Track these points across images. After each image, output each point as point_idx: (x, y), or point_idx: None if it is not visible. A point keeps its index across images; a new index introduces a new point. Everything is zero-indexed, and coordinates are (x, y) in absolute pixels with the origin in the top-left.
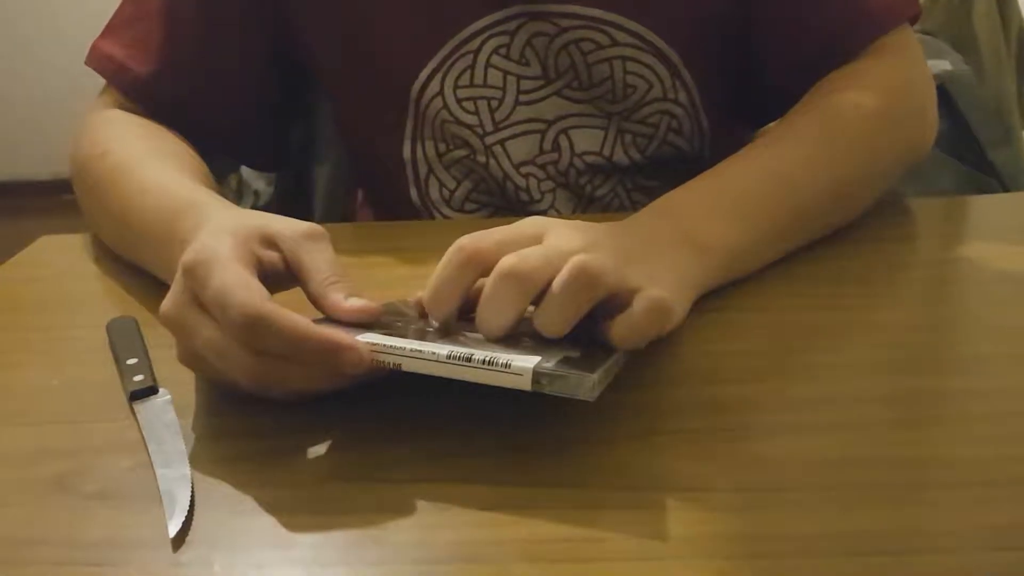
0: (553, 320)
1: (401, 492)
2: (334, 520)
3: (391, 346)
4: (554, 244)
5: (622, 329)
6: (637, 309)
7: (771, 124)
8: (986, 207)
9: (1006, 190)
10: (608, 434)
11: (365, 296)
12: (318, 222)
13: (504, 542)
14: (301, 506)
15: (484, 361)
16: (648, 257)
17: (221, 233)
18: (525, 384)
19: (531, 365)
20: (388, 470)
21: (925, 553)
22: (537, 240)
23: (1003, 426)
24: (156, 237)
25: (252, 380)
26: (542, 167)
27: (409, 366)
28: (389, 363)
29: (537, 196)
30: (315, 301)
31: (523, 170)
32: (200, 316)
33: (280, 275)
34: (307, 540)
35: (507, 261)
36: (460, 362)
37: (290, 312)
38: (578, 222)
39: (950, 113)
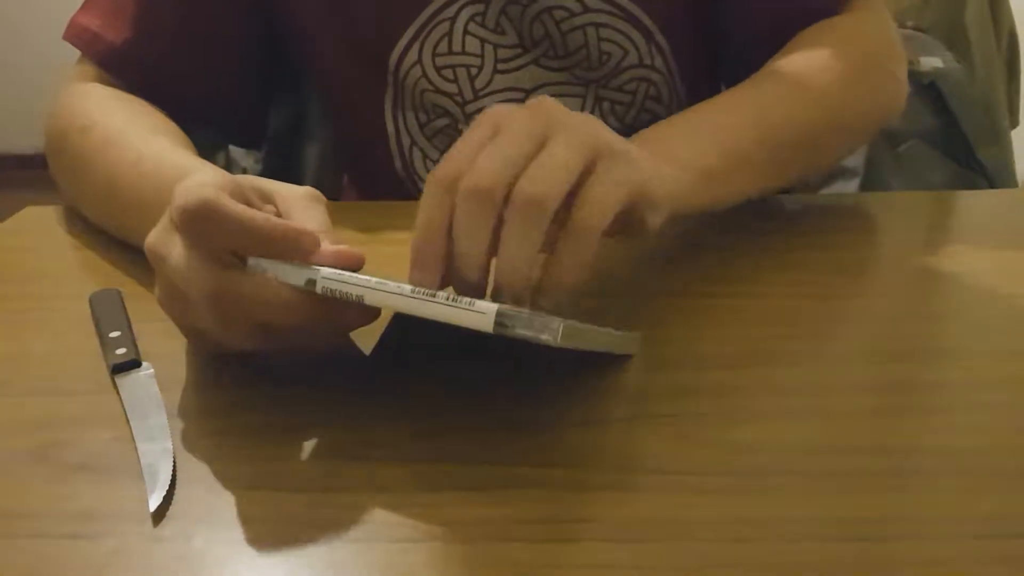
0: (508, 275)
1: (383, 471)
2: (317, 497)
3: (354, 276)
4: (500, 145)
5: (548, 281)
6: (560, 259)
7: None
8: (974, 202)
9: (992, 187)
10: (593, 416)
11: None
12: None
13: (486, 522)
14: (283, 483)
15: (448, 298)
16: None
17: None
18: (487, 324)
19: (495, 306)
20: (371, 448)
21: (909, 540)
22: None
23: (986, 416)
24: (154, 209)
25: (214, 303)
26: None
27: (371, 298)
28: (352, 295)
29: None
30: None
31: None
32: (173, 236)
33: None
34: (288, 516)
35: (467, 181)
36: (424, 297)
37: (242, 204)
38: (588, 122)
39: (940, 110)
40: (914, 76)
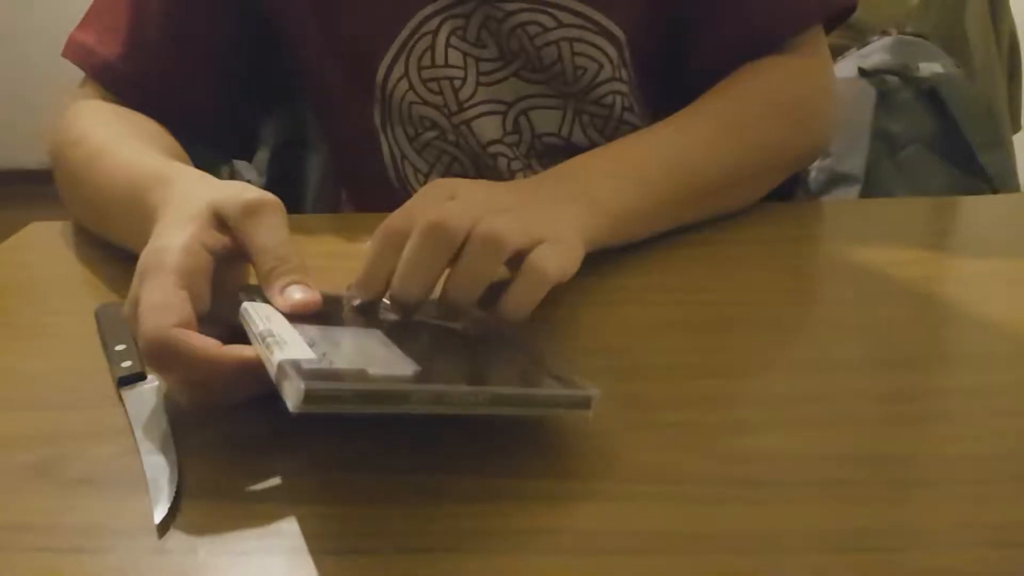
0: (462, 285)
1: (388, 482)
2: (321, 509)
3: (259, 313)
4: (461, 202)
5: (507, 306)
6: (517, 285)
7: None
8: (976, 208)
9: (995, 192)
10: (596, 426)
11: (308, 281)
12: (310, 212)
13: (491, 533)
14: (288, 495)
15: (267, 343)
16: (545, 209)
17: (178, 226)
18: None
19: (281, 357)
20: (376, 459)
21: (914, 550)
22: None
23: (992, 424)
24: (127, 214)
25: (181, 397)
26: (509, 147)
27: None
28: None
29: (507, 176)
30: (261, 285)
31: (491, 149)
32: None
33: (235, 254)
34: (293, 529)
35: (433, 217)
36: (259, 339)
37: (198, 336)
38: (482, 181)
39: (941, 115)
40: (913, 82)
